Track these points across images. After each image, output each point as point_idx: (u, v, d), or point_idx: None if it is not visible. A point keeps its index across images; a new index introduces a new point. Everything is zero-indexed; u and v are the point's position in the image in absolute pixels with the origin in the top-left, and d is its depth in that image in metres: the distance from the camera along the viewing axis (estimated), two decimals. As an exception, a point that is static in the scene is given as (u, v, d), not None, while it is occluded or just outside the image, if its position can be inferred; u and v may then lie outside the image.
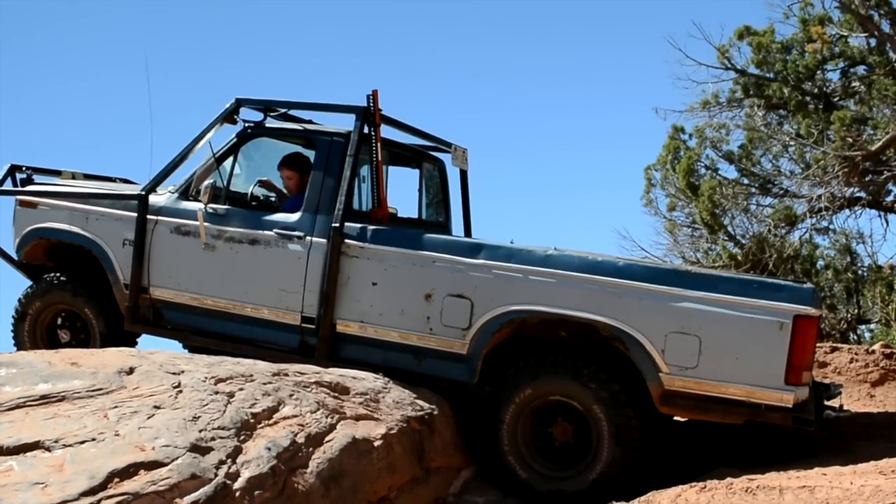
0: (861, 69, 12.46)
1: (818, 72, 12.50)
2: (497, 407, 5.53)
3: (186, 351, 7.20)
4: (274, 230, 6.10)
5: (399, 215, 7.08)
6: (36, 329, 6.85)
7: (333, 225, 5.88)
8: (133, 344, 6.74)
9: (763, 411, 5.06)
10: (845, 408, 6.38)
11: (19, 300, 6.88)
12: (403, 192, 7.44)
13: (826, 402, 5.89)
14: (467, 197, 7.87)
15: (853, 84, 12.39)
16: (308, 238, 6.01)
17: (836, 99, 12.55)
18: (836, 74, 12.79)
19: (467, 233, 7.82)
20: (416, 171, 7.51)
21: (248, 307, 6.19)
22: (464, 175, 7.80)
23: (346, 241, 5.88)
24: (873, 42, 11.88)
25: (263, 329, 6.19)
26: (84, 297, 6.70)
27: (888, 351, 9.02)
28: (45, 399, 4.08)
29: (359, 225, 5.95)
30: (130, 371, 4.55)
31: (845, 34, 11.99)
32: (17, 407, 3.98)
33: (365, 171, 6.52)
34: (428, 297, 5.68)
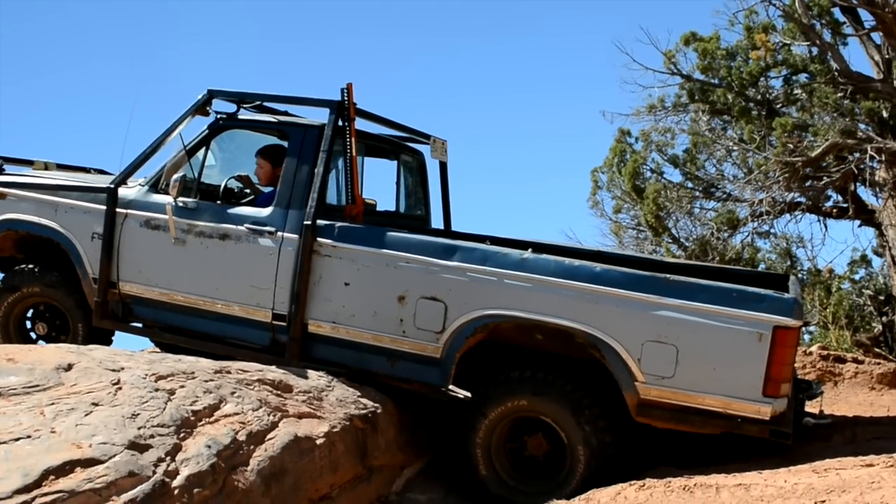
0: (803, 77, 12.67)
1: (761, 79, 12.68)
2: (485, 402, 5.48)
3: (154, 347, 7.12)
4: (245, 225, 6.02)
5: (378, 208, 7.02)
6: (15, 308, 6.71)
7: (305, 222, 5.79)
8: (109, 341, 6.64)
9: (740, 423, 5.01)
10: (825, 412, 6.42)
11: (14, 272, 6.70)
12: (384, 183, 7.36)
13: (806, 406, 5.91)
14: (447, 189, 7.81)
15: (795, 91, 12.59)
16: (279, 233, 5.92)
17: (778, 105, 12.74)
18: (779, 82, 12.99)
19: (447, 225, 7.76)
20: (395, 163, 7.42)
21: (218, 303, 6.10)
22: (443, 167, 7.74)
23: (318, 239, 5.79)
24: (815, 51, 12.09)
25: (234, 326, 6.10)
26: (77, 299, 6.57)
27: (825, 353, 9.24)
28: (-21, 395, 4.01)
29: (331, 223, 5.85)
30: (69, 368, 4.48)
31: (788, 42, 12.18)
32: (-49, 403, 3.91)
33: (340, 164, 6.44)
34: (401, 299, 5.60)
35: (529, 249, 5.59)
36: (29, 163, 7.41)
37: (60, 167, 7.51)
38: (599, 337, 5.17)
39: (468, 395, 5.61)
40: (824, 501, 3.76)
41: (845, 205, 12.74)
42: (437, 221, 7.80)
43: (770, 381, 4.92)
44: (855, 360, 9.18)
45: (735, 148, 13.38)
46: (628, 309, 5.15)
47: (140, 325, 6.49)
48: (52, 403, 4.01)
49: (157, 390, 4.39)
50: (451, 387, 5.59)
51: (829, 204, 13.26)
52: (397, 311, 5.63)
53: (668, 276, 5.23)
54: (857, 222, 12.89)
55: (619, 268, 5.38)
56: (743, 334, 4.96)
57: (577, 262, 5.38)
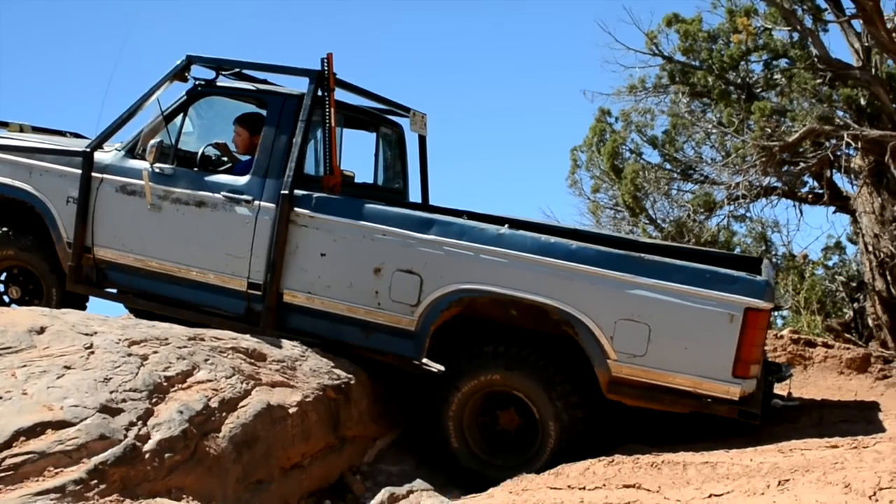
0: (783, 62, 12.71)
1: (742, 62, 12.71)
2: (458, 375, 5.50)
3: (129, 313, 7.09)
4: (221, 193, 5.98)
5: (356, 180, 6.99)
6: None
7: (282, 192, 5.77)
8: (83, 307, 6.58)
9: (709, 403, 5.07)
10: (794, 395, 6.48)
11: None
12: (362, 155, 7.35)
13: (775, 388, 5.97)
14: (425, 163, 7.80)
15: (775, 76, 12.63)
16: (256, 202, 5.89)
17: (758, 90, 12.76)
18: (760, 66, 13.02)
19: (424, 199, 7.75)
20: (374, 135, 7.38)
21: (193, 271, 6.07)
22: (422, 140, 7.71)
23: (295, 209, 5.77)
24: (796, 36, 12.11)
25: (209, 294, 6.07)
26: (52, 264, 6.51)
27: (795, 336, 9.33)
28: (-50, 356, 4.00)
29: (309, 193, 5.83)
30: (41, 331, 4.48)
31: (770, 27, 12.20)
32: (-79, 363, 3.90)
33: (319, 135, 6.39)
34: (377, 271, 5.60)
35: (506, 225, 5.60)
36: (4, 125, 7.33)
37: (36, 130, 7.43)
38: (573, 314, 5.21)
39: (441, 368, 5.64)
40: (788, 480, 3.83)
41: (821, 191, 12.81)
42: (414, 195, 7.79)
43: (740, 362, 4.98)
44: (825, 345, 9.27)
45: (714, 131, 13.41)
46: (602, 287, 5.18)
47: (114, 290, 6.45)
48: (24, 366, 4.01)
49: (130, 355, 4.39)
50: (424, 360, 5.62)
51: (805, 190, 13.33)
52: (373, 282, 5.63)
53: (642, 255, 5.27)
54: (832, 209, 12.98)
55: (595, 246, 5.40)
56: (715, 315, 5.01)
57: (552, 238, 5.41)
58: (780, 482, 3.81)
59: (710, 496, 3.81)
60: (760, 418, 5.15)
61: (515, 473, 4.98)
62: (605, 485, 4.22)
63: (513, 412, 5.51)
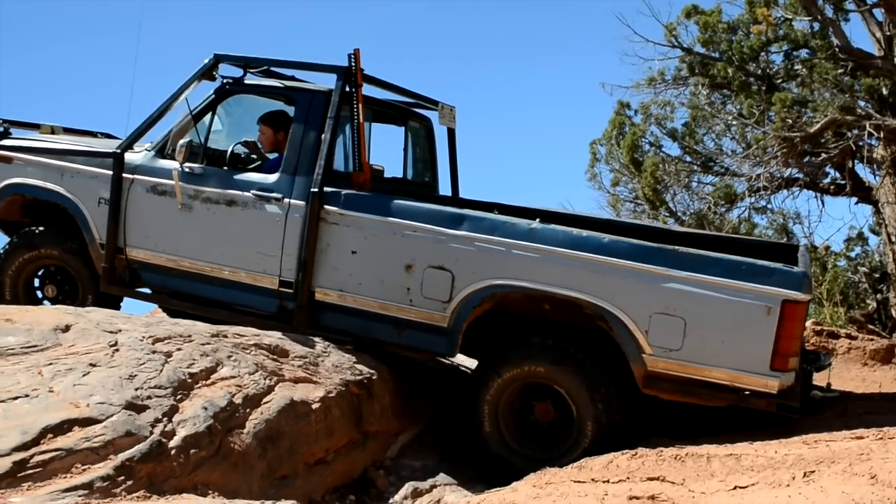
0: (804, 52, 12.63)
1: (762, 53, 12.64)
2: (502, 362, 5.46)
3: (162, 313, 7.11)
4: (251, 191, 5.98)
5: (386, 174, 7.00)
6: (28, 266, 6.67)
7: (312, 190, 5.75)
8: (117, 309, 6.59)
9: (747, 397, 5.01)
10: (833, 387, 6.41)
11: (34, 232, 6.62)
12: (391, 149, 7.33)
13: (814, 378, 5.93)
14: (454, 156, 7.76)
15: (795, 67, 12.55)
16: (286, 200, 5.89)
17: (778, 81, 12.69)
18: (780, 57, 12.94)
19: (454, 192, 7.72)
20: (402, 129, 7.37)
21: (225, 270, 6.07)
22: (451, 133, 7.67)
23: (325, 206, 5.76)
24: (816, 26, 12.03)
25: (241, 293, 6.07)
26: (93, 270, 6.51)
27: (818, 328, 9.28)
28: (-23, 354, 4.04)
29: (338, 190, 5.81)
30: (66, 329, 4.53)
31: (790, 17, 12.12)
32: (-51, 361, 3.95)
33: (348, 131, 6.37)
34: (408, 268, 5.57)
35: (538, 219, 5.57)
36: (35, 126, 7.38)
37: (67, 131, 7.48)
38: (607, 308, 5.15)
39: (473, 366, 5.61)
40: (814, 472, 3.80)
41: (843, 182, 12.72)
42: (444, 188, 7.78)
43: (778, 355, 4.91)
44: (848, 336, 9.22)
45: (734, 122, 13.35)
46: (636, 280, 5.12)
47: (147, 290, 6.48)
48: (50, 363, 4.05)
49: (154, 352, 4.43)
50: (458, 357, 5.59)
51: (827, 180, 13.24)
52: (404, 279, 5.60)
53: (676, 247, 5.21)
54: (854, 199, 12.89)
55: (628, 239, 5.33)
56: (752, 307, 4.93)
57: (584, 232, 5.36)
58: (805, 474, 3.79)
59: (734, 488, 3.79)
60: (800, 411, 5.10)
61: (543, 466, 4.96)
62: (628, 478, 4.20)
63: (549, 405, 5.46)
